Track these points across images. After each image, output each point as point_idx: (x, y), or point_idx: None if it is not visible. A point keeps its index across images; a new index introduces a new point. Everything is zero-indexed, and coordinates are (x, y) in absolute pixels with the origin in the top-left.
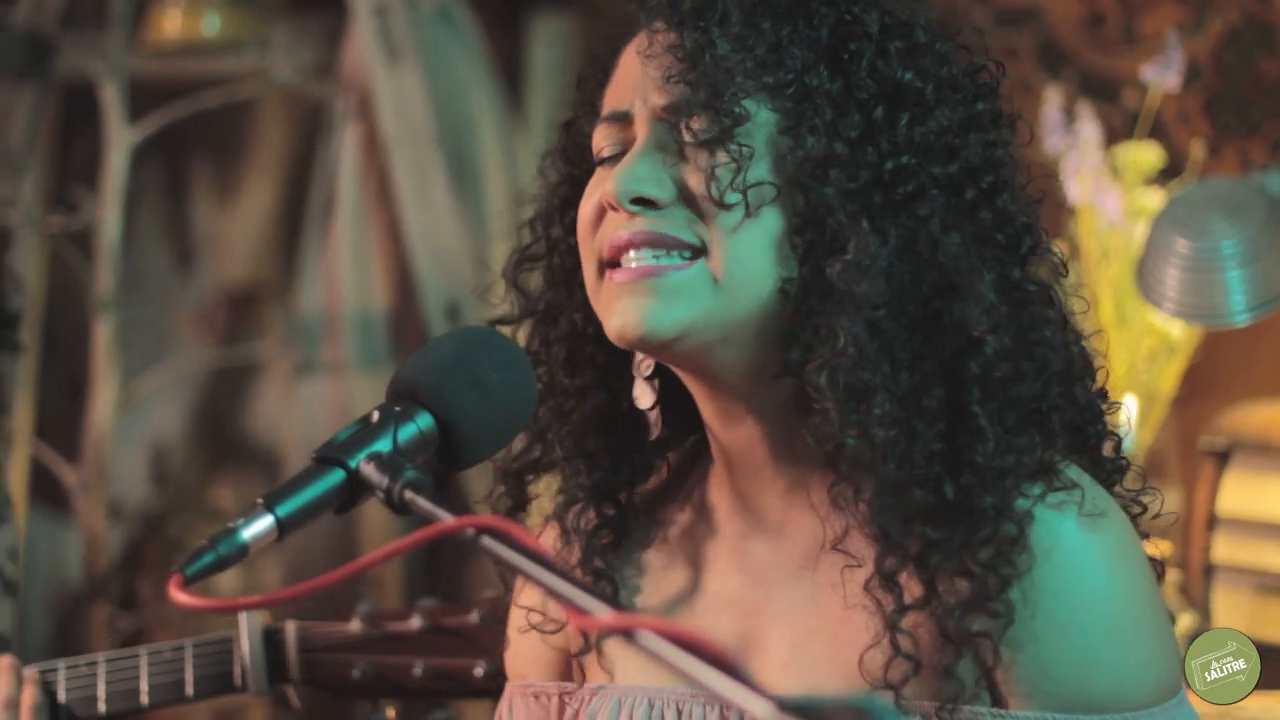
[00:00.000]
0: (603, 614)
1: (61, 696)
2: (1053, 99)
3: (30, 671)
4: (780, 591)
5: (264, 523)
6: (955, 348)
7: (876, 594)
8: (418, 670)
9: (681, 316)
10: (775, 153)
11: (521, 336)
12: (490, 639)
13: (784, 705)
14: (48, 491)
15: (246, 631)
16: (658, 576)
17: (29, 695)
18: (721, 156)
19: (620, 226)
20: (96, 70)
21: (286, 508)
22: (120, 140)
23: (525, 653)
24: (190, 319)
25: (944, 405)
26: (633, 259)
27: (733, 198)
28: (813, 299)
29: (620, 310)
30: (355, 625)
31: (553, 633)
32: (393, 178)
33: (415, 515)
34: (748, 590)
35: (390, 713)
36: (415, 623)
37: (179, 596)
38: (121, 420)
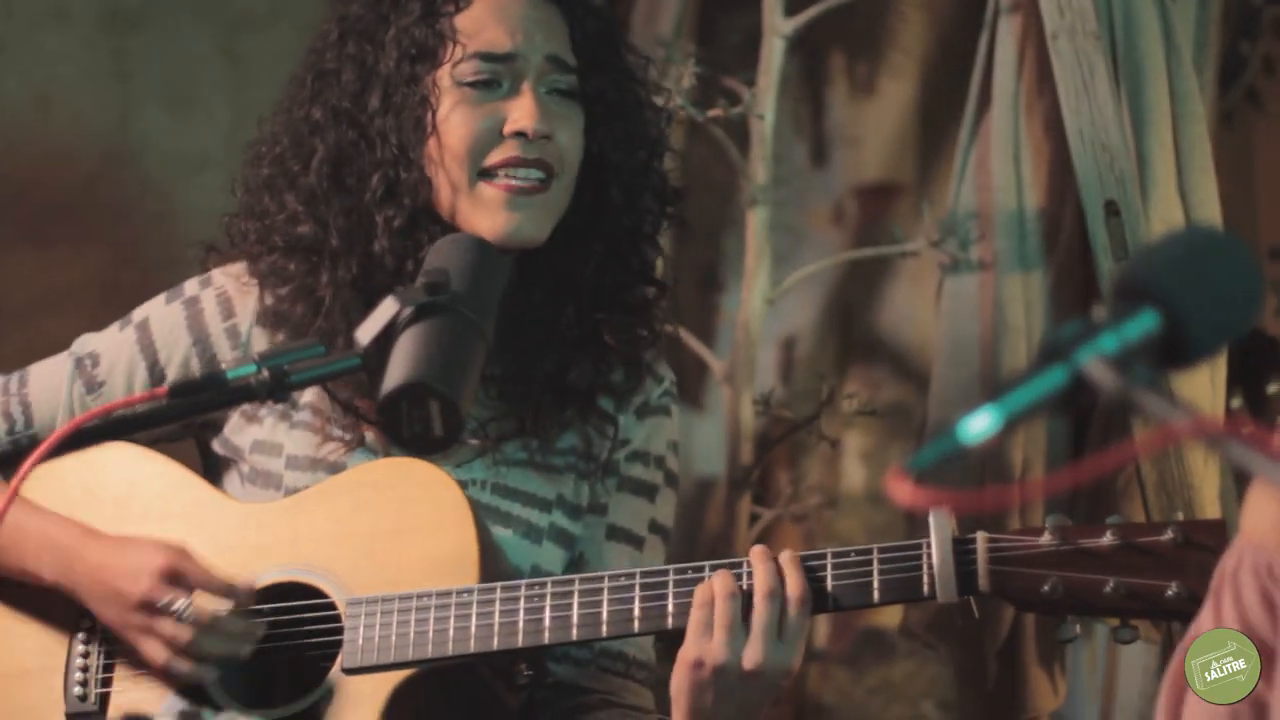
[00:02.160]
0: None
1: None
2: None
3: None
4: None
5: (986, 419)
6: None
7: None
8: (1108, 588)
9: None
10: None
11: None
12: (1183, 560)
13: None
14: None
15: (937, 540)
16: None
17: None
18: None
19: None
20: None
21: (1009, 404)
22: (777, 31)
23: (1269, 520)
24: (825, 214)
25: None
26: None
27: None
28: None
29: None
30: (1046, 539)
31: None
32: (1052, 73)
33: (1144, 415)
34: None
35: (1078, 628)
36: (1107, 540)
37: (900, 491)
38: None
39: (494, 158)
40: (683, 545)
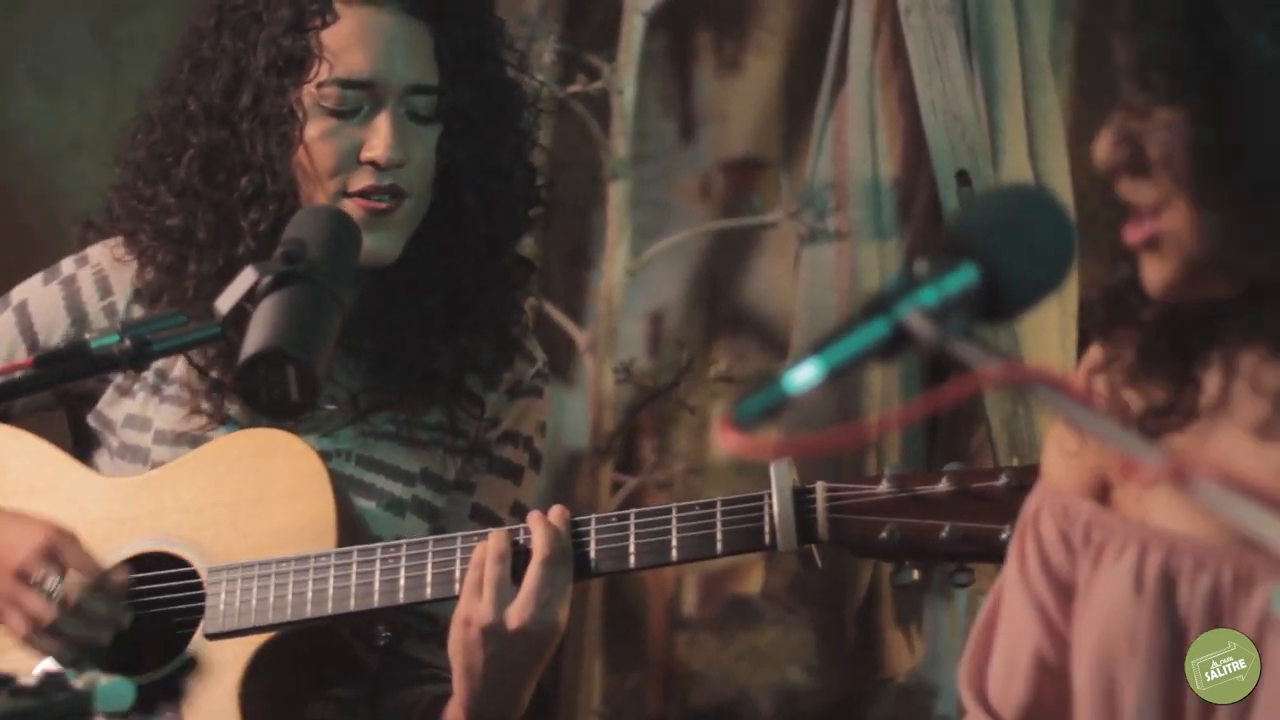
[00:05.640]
0: (1154, 460)
1: (592, 551)
2: None
3: (558, 510)
4: None
5: (810, 369)
6: None
7: None
8: (944, 533)
9: None
10: None
11: None
12: (1017, 505)
13: None
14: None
15: (777, 491)
16: (1207, 432)
17: (562, 541)
18: None
19: None
20: None
21: (833, 355)
22: (637, 8)
23: (1063, 465)
24: (692, 189)
25: None
26: None
27: None
28: None
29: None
30: (883, 487)
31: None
32: (905, 45)
33: (959, 364)
34: None
35: (915, 574)
36: (943, 486)
37: (728, 439)
38: (627, 288)
39: (350, 184)
40: None
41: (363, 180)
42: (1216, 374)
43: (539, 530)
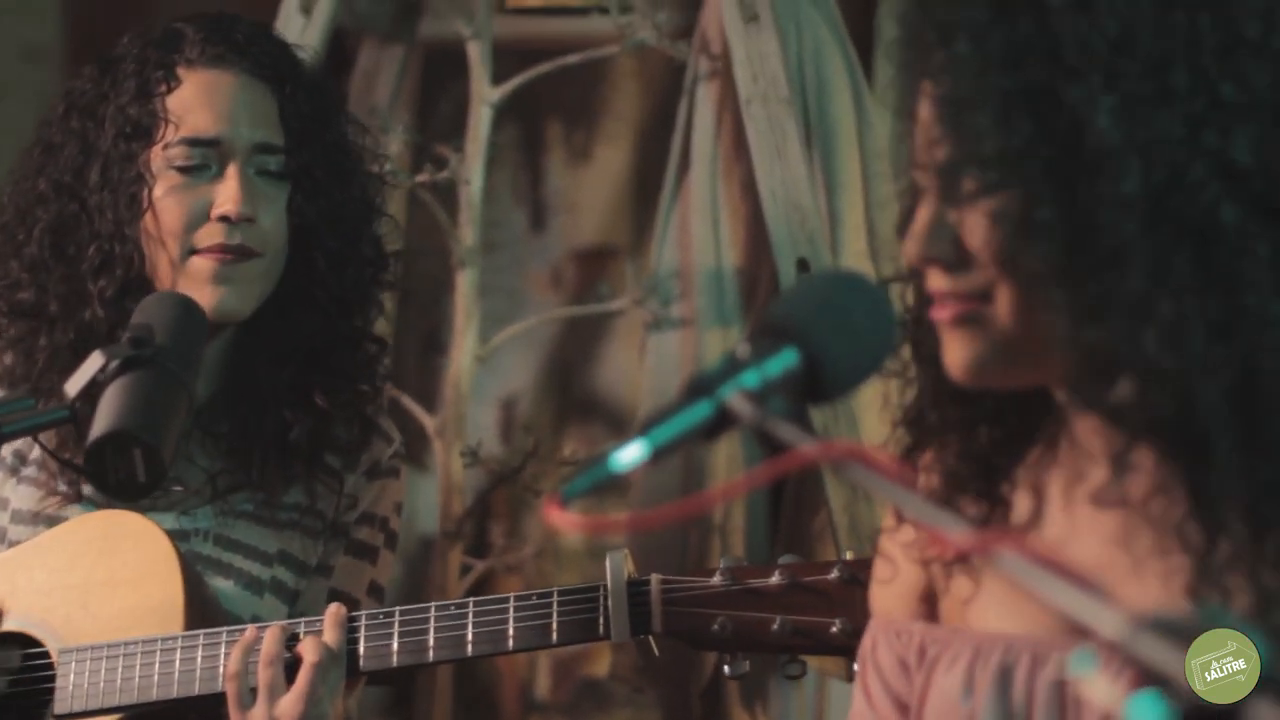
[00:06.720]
0: (961, 534)
1: (431, 639)
2: None
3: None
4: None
5: (636, 448)
6: None
7: None
8: (775, 626)
9: None
10: None
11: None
12: (849, 598)
13: (1140, 622)
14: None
15: (612, 582)
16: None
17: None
18: None
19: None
20: (463, 31)
21: (658, 435)
22: (484, 99)
23: (891, 591)
24: (544, 278)
25: None
26: None
27: None
28: None
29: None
30: (716, 579)
31: (917, 564)
32: (747, 137)
33: (779, 445)
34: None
35: (747, 665)
36: (775, 579)
37: (556, 518)
38: (477, 375)
39: (200, 241)
40: (411, 599)
41: (212, 238)
42: (1024, 492)
43: (311, 640)
